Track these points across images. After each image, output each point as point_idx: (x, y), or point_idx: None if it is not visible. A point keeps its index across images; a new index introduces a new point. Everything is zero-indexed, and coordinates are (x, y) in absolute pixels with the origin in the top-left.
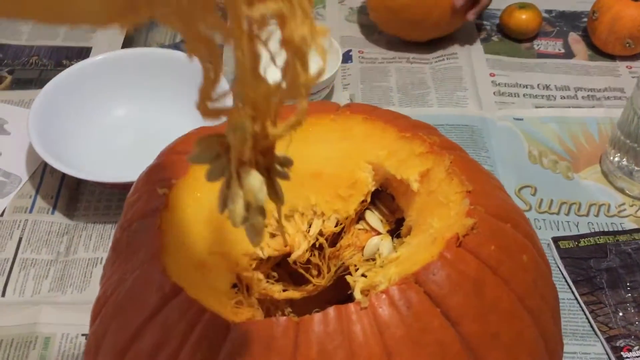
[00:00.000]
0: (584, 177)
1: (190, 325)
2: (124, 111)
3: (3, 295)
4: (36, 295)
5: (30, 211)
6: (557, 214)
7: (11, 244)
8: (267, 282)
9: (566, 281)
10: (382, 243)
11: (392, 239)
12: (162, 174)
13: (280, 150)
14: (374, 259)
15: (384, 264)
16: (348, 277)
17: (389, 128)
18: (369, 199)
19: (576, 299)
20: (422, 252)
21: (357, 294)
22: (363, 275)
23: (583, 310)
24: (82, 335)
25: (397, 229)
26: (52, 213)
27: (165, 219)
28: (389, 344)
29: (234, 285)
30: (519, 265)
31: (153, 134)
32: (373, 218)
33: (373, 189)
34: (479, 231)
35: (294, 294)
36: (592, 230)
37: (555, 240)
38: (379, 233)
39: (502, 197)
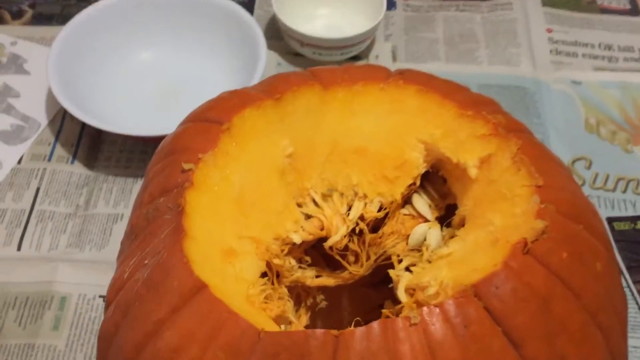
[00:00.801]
0: None
1: (214, 329)
2: (150, 55)
3: (19, 249)
4: (53, 251)
5: (49, 159)
6: (613, 190)
7: (28, 194)
8: (300, 267)
9: (619, 267)
10: (429, 232)
11: (441, 227)
12: (188, 143)
13: (324, 119)
14: (419, 250)
15: (432, 258)
16: (391, 272)
17: (447, 103)
18: (418, 182)
19: (629, 286)
20: (481, 255)
21: (401, 293)
22: (407, 269)
23: (636, 300)
24: (100, 297)
25: (447, 217)
26: (72, 162)
27: (190, 199)
28: None
29: (264, 274)
30: (592, 275)
31: (181, 82)
32: (421, 203)
33: (423, 171)
34: (549, 236)
35: (327, 280)
36: None
37: (610, 220)
38: (426, 220)
39: (574, 190)
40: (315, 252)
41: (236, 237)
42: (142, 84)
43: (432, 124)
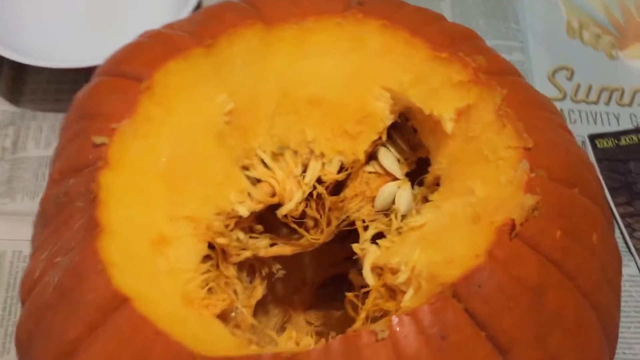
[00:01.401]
0: (630, 56)
1: (139, 354)
2: None
3: None
4: None
5: None
6: (596, 103)
7: None
8: (251, 237)
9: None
10: (399, 193)
11: (412, 186)
12: (100, 107)
13: (269, 64)
14: (387, 214)
15: (402, 230)
16: (355, 247)
17: (418, 42)
18: (384, 137)
19: (611, 210)
20: (459, 234)
21: (367, 273)
22: (374, 241)
23: (618, 225)
24: None
25: (418, 173)
26: None
27: (105, 182)
28: None
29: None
30: (588, 250)
31: (107, 3)
32: (388, 158)
33: (390, 123)
34: (541, 212)
35: (283, 249)
36: (635, 125)
37: (592, 138)
38: (395, 178)
39: (567, 143)
40: (269, 213)
41: (168, 220)
42: (65, 6)
43: (400, 67)
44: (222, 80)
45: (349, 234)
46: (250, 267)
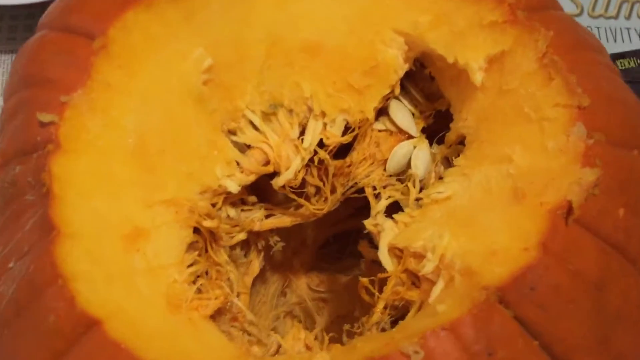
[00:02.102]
0: None
1: None
2: None
3: None
4: None
5: None
6: (616, 18)
7: None
8: (243, 210)
9: None
10: (415, 153)
11: (430, 144)
12: (46, 71)
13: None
14: (402, 179)
15: (424, 202)
16: (367, 222)
17: None
18: (397, 90)
19: None
20: (498, 215)
21: (384, 255)
22: (389, 215)
23: None
24: None
25: (436, 129)
26: None
27: (59, 170)
28: None
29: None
30: None
31: None
32: (401, 112)
33: (403, 73)
34: (601, 188)
35: (281, 221)
36: None
37: (613, 58)
38: (410, 136)
39: (622, 93)
40: (261, 177)
41: (143, 208)
42: None
43: (416, 6)
44: (196, 30)
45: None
46: (245, 241)
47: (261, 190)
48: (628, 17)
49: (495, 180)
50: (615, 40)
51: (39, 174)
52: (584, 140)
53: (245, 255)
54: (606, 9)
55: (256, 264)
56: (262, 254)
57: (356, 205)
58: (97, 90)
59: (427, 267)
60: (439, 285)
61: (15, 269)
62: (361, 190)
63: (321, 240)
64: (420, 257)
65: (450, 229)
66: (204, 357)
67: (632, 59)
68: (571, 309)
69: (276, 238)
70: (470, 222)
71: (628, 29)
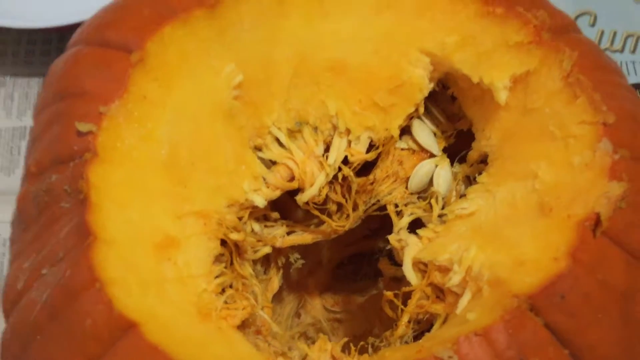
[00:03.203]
0: None
1: None
2: None
3: None
4: None
5: None
6: (621, 51)
7: None
8: (266, 226)
9: None
10: (437, 172)
11: (452, 163)
12: (83, 83)
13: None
14: (423, 197)
15: (447, 218)
16: (391, 238)
17: None
18: (421, 109)
19: None
20: (526, 230)
21: (408, 270)
22: (413, 230)
23: None
24: None
25: (457, 148)
26: None
27: (96, 179)
28: None
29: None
30: None
31: None
32: (423, 131)
33: (428, 93)
34: (628, 201)
35: (303, 238)
36: None
37: None
38: (431, 155)
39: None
40: (287, 197)
41: (173, 218)
42: None
43: (442, 27)
44: (228, 47)
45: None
46: (265, 257)
47: (282, 207)
48: (633, 51)
49: (520, 195)
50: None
51: (76, 181)
52: (611, 155)
53: (265, 272)
54: (612, 43)
55: (276, 280)
56: (281, 271)
57: (371, 227)
58: (133, 101)
59: (453, 280)
60: (466, 297)
61: (49, 275)
62: (382, 208)
63: (336, 260)
64: (445, 270)
65: (477, 243)
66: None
67: (637, 90)
68: (600, 318)
69: (296, 255)
70: (497, 235)
71: (634, 62)
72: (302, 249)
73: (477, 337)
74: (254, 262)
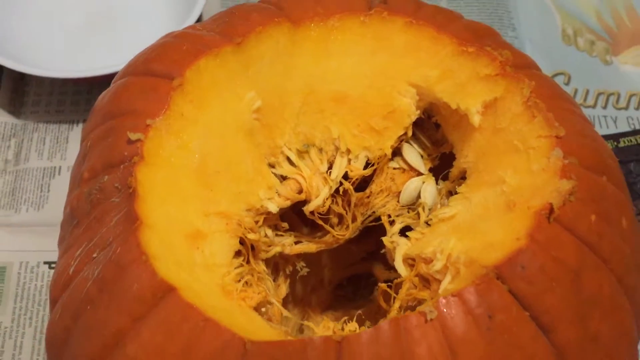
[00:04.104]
0: (624, 61)
1: (189, 342)
2: None
3: None
4: None
5: None
6: (594, 107)
7: None
8: (277, 234)
9: None
10: (424, 187)
11: (437, 181)
12: (132, 104)
13: (295, 63)
14: (413, 208)
15: (432, 222)
16: (385, 239)
17: (444, 38)
18: (410, 132)
19: None
20: (495, 222)
21: (399, 264)
22: (403, 233)
23: None
24: (45, 263)
25: (441, 168)
26: None
27: (142, 177)
28: None
29: (238, 251)
30: (619, 234)
31: (107, 11)
32: (412, 154)
33: (415, 118)
34: (576, 196)
35: (308, 247)
36: (633, 127)
37: None
38: (419, 173)
39: (592, 133)
40: (290, 210)
41: (202, 216)
42: (64, 15)
43: (426, 64)
44: (250, 78)
45: (367, 233)
46: (274, 265)
47: (290, 223)
48: (604, 107)
49: (491, 198)
50: (593, 126)
51: (126, 179)
52: (561, 160)
53: (275, 280)
54: (585, 99)
55: (284, 287)
56: (289, 280)
57: (368, 250)
58: (173, 118)
59: (436, 266)
60: (447, 279)
61: (100, 257)
62: (377, 219)
63: (336, 280)
64: (430, 261)
65: (456, 236)
66: (254, 329)
67: (609, 141)
68: (553, 286)
69: (302, 264)
70: (472, 229)
71: (605, 116)
72: (307, 265)
73: (453, 297)
74: (265, 267)
